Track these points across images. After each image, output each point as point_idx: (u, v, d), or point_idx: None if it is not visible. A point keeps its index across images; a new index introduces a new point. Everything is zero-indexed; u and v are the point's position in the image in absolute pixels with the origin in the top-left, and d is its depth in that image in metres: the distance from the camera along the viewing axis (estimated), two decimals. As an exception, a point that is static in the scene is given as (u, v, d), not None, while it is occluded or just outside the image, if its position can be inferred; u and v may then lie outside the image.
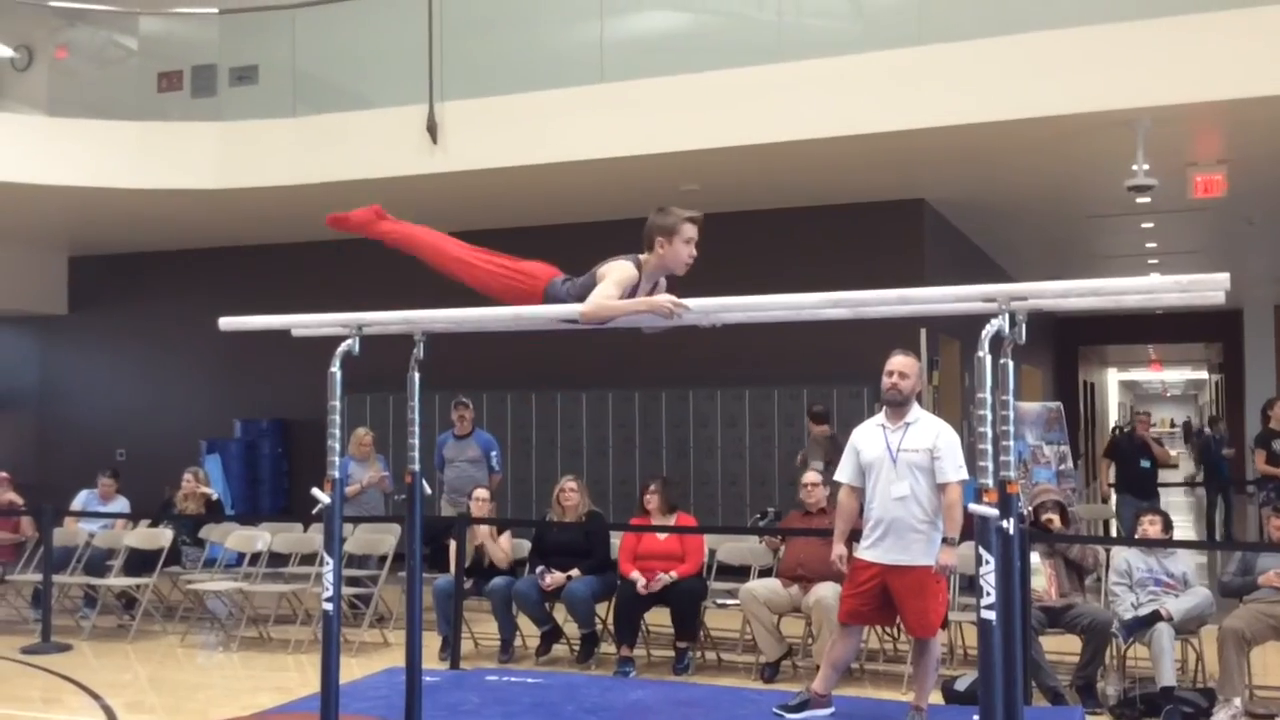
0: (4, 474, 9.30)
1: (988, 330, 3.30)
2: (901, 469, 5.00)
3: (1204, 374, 32.74)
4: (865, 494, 5.18)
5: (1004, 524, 3.20)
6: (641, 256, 3.87)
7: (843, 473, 5.31)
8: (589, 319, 3.76)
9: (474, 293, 4.20)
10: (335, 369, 4.20)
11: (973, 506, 3.23)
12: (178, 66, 10.68)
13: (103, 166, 9.55)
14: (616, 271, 3.80)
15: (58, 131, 9.65)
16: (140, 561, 8.51)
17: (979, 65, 7.74)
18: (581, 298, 3.83)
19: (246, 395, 12.29)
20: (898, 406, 5.14)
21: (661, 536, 7.10)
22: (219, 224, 11.25)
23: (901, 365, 5.13)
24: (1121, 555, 6.36)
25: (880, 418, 5.22)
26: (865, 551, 5.12)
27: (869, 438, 5.20)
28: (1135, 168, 8.04)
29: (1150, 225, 12.01)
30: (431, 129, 8.92)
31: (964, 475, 4.95)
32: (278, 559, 8.52)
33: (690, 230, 3.84)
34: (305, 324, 4.48)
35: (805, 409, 9.88)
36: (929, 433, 5.06)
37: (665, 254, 3.84)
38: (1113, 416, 33.14)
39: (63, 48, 11.08)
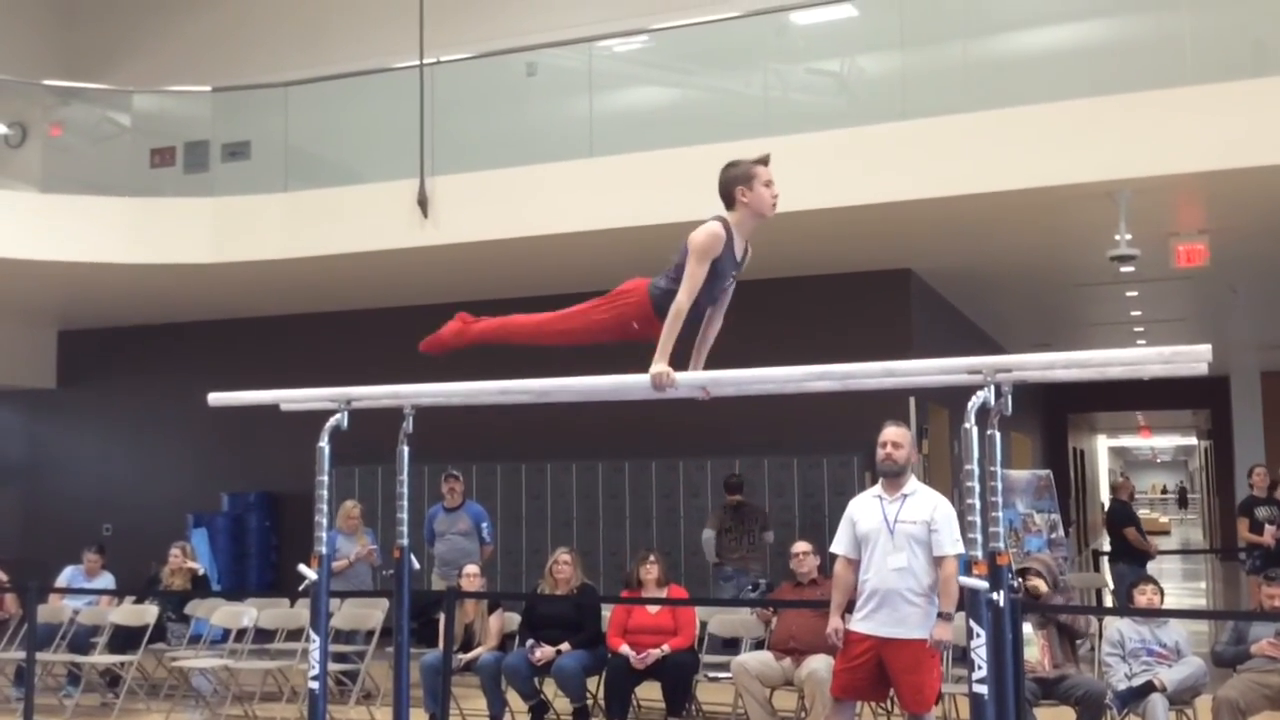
0: (-11, 550, 9.22)
1: (974, 402, 3.32)
2: (899, 540, 4.98)
3: (1193, 440, 32.81)
4: (860, 565, 5.15)
5: (994, 596, 3.20)
6: (726, 215, 3.79)
7: (839, 544, 5.27)
8: (657, 380, 3.69)
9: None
10: (324, 444, 4.20)
11: (963, 579, 3.23)
12: (171, 143, 10.81)
13: (96, 242, 9.61)
14: (700, 249, 3.66)
15: (51, 207, 9.73)
16: (125, 638, 8.40)
17: (963, 139, 7.87)
18: (678, 278, 3.70)
19: (234, 468, 12.23)
20: (894, 477, 5.13)
21: (653, 610, 7.03)
22: (210, 298, 11.29)
23: (895, 436, 5.13)
24: (1114, 625, 6.33)
25: (877, 489, 5.21)
26: (859, 624, 5.08)
27: (866, 509, 5.18)
28: (1118, 238, 8.14)
29: (1135, 294, 12.12)
30: (422, 203, 9.02)
31: (961, 549, 4.92)
32: (264, 635, 8.42)
33: (764, 171, 3.81)
34: (294, 399, 4.49)
35: (795, 478, 9.89)
36: (927, 505, 5.05)
37: (750, 201, 3.78)
38: (1104, 483, 33.13)
39: (57, 125, 11.20)
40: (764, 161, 3.83)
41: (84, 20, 13.02)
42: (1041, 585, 6.43)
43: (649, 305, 3.78)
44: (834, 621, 5.24)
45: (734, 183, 3.80)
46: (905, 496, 5.08)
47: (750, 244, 3.89)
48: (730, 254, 3.77)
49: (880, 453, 5.14)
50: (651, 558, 7.21)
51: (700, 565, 10.18)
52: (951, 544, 4.92)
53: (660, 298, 3.77)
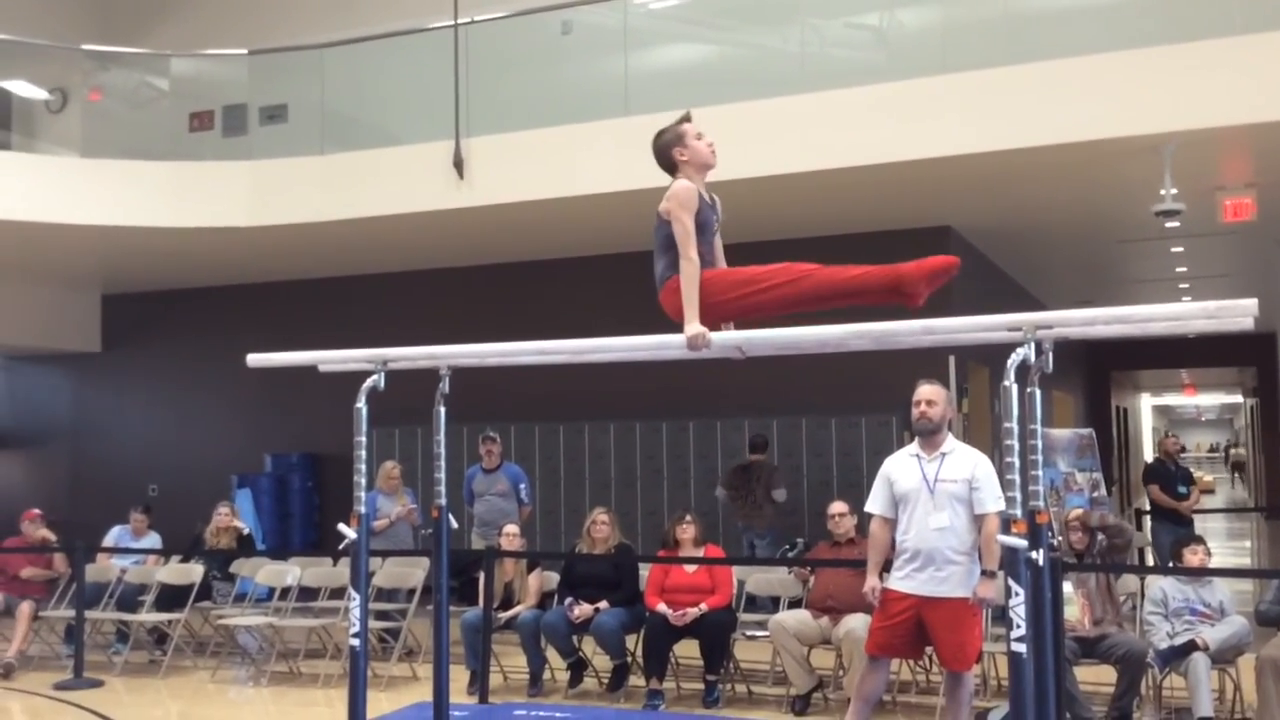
0: (37, 511, 9.39)
1: (1013, 359, 3.28)
2: (940, 499, 4.93)
3: (1239, 398, 32.38)
4: (898, 525, 5.12)
5: (1034, 555, 3.17)
6: (679, 178, 3.86)
7: (874, 504, 5.23)
8: (693, 341, 3.68)
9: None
10: (361, 405, 4.23)
11: (1001, 538, 3.21)
12: (209, 106, 10.86)
13: (136, 206, 9.69)
14: (680, 202, 3.74)
15: (91, 172, 9.80)
16: (172, 597, 8.55)
17: (1004, 92, 7.73)
18: (670, 248, 3.76)
19: (277, 430, 12.37)
20: (930, 435, 5.08)
21: (690, 570, 7.06)
22: (249, 261, 11.37)
23: (929, 394, 5.08)
24: (1157, 584, 6.29)
25: (914, 447, 5.16)
26: (899, 583, 5.05)
27: (904, 468, 5.13)
28: (1163, 192, 7.99)
29: (1180, 249, 11.92)
30: (458, 164, 9.00)
31: (1003, 506, 4.88)
32: (308, 593, 8.55)
33: (690, 128, 3.91)
34: (331, 359, 4.52)
35: (833, 438, 9.90)
36: (967, 463, 5.00)
37: (690, 157, 3.87)
38: (1147, 442, 32.81)
39: (96, 90, 11.27)
40: (687, 119, 3.94)
41: (122, -16, 13.06)
42: (1081, 535, 6.39)
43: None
44: (871, 580, 5.22)
45: (668, 147, 3.92)
46: (944, 455, 5.02)
47: (715, 196, 3.96)
48: (706, 205, 3.86)
49: (915, 411, 5.09)
50: (688, 518, 7.23)
51: (737, 525, 10.20)
52: (994, 501, 4.87)
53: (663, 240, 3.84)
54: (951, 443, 5.10)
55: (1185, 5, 7.96)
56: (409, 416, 9.25)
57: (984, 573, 4.87)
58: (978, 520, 4.92)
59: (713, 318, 3.75)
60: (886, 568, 5.21)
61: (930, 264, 3.62)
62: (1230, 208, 8.61)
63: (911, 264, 3.62)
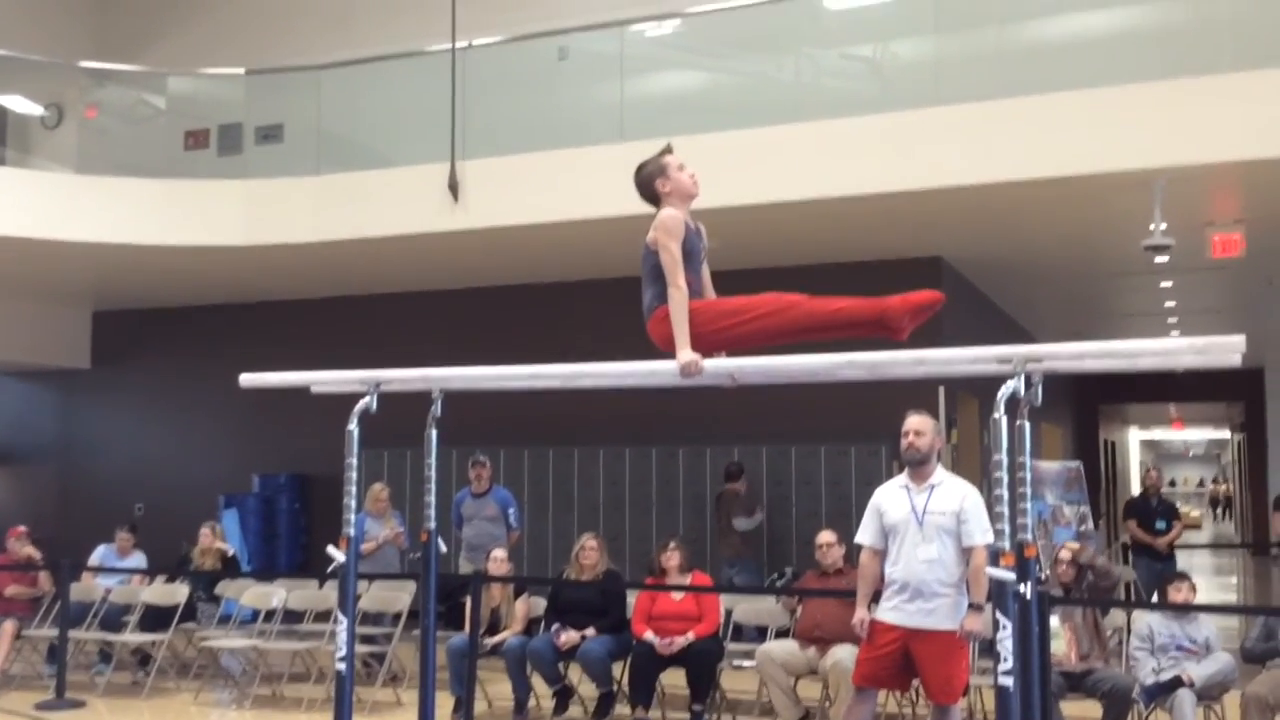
0: (23, 528, 9.33)
1: (1003, 392, 3.29)
2: (929, 531, 4.91)
3: (1226, 433, 32.46)
4: (887, 556, 5.11)
5: (1021, 588, 3.18)
6: (663, 208, 3.90)
7: (865, 535, 5.21)
8: (685, 368, 3.71)
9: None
10: (353, 427, 4.23)
11: (990, 570, 3.21)
12: (205, 125, 10.89)
13: (129, 223, 9.69)
14: (666, 231, 3.78)
15: (85, 188, 9.81)
16: (156, 617, 8.50)
17: (996, 125, 7.79)
18: (658, 279, 3.81)
19: (265, 450, 12.33)
20: (919, 466, 5.07)
21: (677, 597, 7.04)
22: (243, 280, 11.37)
23: (917, 424, 5.07)
24: (1143, 620, 6.28)
25: (903, 478, 5.15)
26: (887, 614, 5.03)
27: (893, 499, 5.11)
28: (1152, 227, 8.06)
29: (1169, 284, 11.99)
30: (453, 187, 9.03)
31: (991, 538, 4.87)
32: (293, 616, 8.50)
33: (672, 159, 3.95)
34: (324, 381, 4.51)
35: (821, 466, 9.93)
36: (955, 495, 4.99)
37: (672, 188, 3.91)
38: (1135, 476, 32.85)
39: (92, 106, 11.29)
40: (669, 150, 3.98)
41: (119, 2, 13.11)
42: (1067, 566, 6.39)
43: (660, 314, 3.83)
44: (860, 612, 5.20)
45: (651, 179, 3.95)
46: (933, 486, 5.01)
47: (700, 224, 3.99)
48: (692, 234, 3.89)
49: (903, 441, 5.08)
50: (673, 545, 7.21)
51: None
52: (981, 534, 4.86)
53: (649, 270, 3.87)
54: (940, 474, 5.09)
55: (1177, 42, 8.04)
56: (398, 438, 9.21)
57: (971, 605, 4.87)
58: (966, 552, 4.91)
59: (700, 348, 3.77)
60: (876, 599, 5.20)
61: (915, 299, 3.66)
62: (1219, 243, 8.68)
63: (897, 298, 3.65)
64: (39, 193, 9.71)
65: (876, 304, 3.67)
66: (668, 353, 3.79)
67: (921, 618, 4.90)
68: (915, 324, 3.64)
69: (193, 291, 12.11)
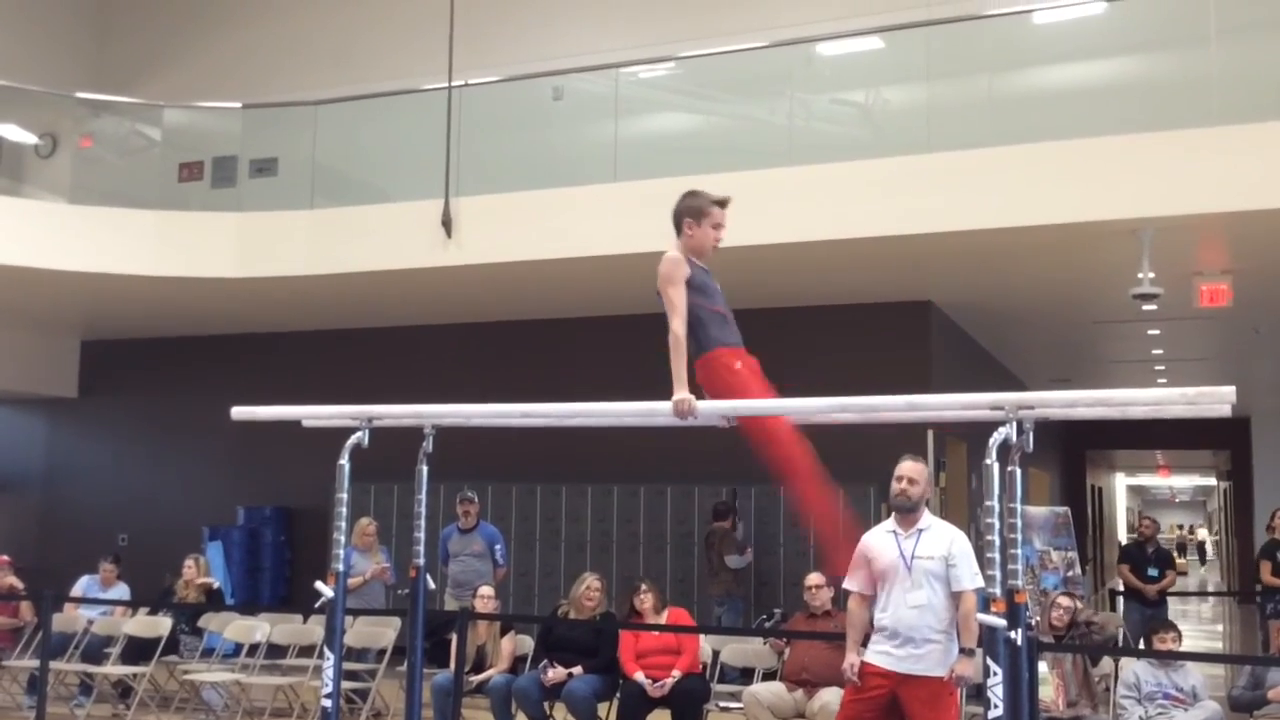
0: (5, 558, 9.26)
1: (995, 438, 3.31)
2: (917, 577, 4.86)
3: (1213, 480, 32.55)
4: (876, 601, 5.04)
5: (1012, 634, 3.18)
6: (676, 242, 3.89)
7: (852, 581, 5.15)
8: (678, 408, 3.73)
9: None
10: (344, 462, 4.22)
11: (981, 616, 3.22)
12: (199, 157, 10.91)
13: (122, 253, 9.69)
14: (665, 277, 3.78)
15: (78, 218, 9.81)
16: (138, 649, 8.42)
17: (986, 173, 7.87)
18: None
19: (250, 482, 12.28)
20: (908, 513, 5.01)
21: (657, 631, 7.05)
22: (233, 312, 11.37)
23: (911, 471, 5.01)
24: (1130, 668, 6.28)
25: (891, 523, 5.09)
26: (876, 657, 4.96)
27: (880, 545, 5.05)
28: (1140, 276, 8.12)
29: (1156, 332, 12.07)
30: (446, 223, 9.06)
31: (980, 583, 4.82)
32: (276, 650, 8.43)
33: (718, 214, 3.88)
34: (316, 415, 4.51)
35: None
36: (943, 539, 4.94)
37: (694, 236, 3.86)
38: (1121, 521, 32.90)
39: (87, 137, 11.32)
40: (723, 203, 3.92)
41: (117, 34, 13.19)
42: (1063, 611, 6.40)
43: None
44: (850, 657, 5.10)
45: (685, 214, 3.93)
46: (920, 531, 4.96)
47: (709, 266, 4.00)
48: (699, 269, 3.88)
49: (895, 486, 5.03)
50: (643, 587, 7.21)
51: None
52: (970, 578, 4.82)
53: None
54: (928, 519, 5.04)
55: (1165, 95, 8.15)
56: (385, 472, 9.21)
57: (962, 650, 4.84)
58: (955, 597, 4.91)
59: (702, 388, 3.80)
60: (865, 642, 5.17)
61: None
62: (1206, 293, 8.75)
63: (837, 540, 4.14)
64: (31, 222, 9.71)
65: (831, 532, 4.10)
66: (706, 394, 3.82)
67: (911, 663, 4.84)
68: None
69: (182, 322, 12.10)
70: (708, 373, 3.83)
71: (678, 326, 3.74)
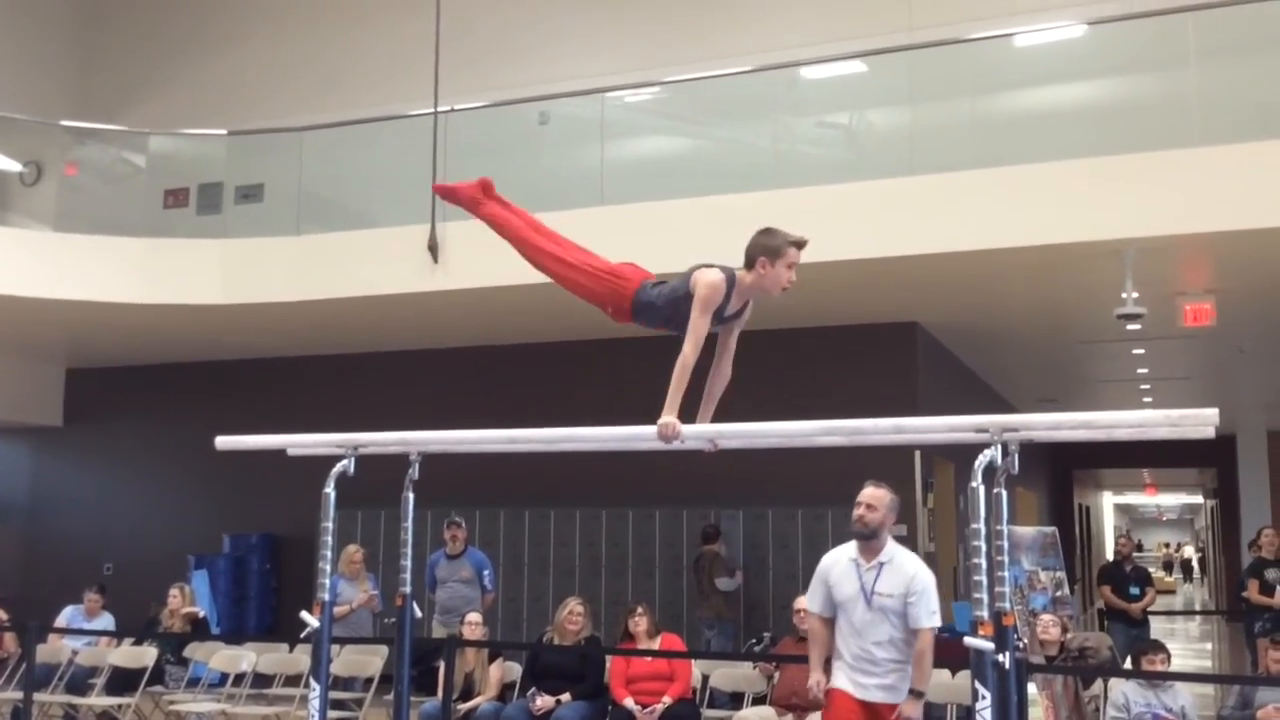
0: (-11, 588, 9.18)
1: (981, 460, 3.31)
2: (876, 612, 4.74)
3: (1199, 499, 32.63)
4: (837, 628, 4.89)
5: (1000, 658, 3.17)
6: (739, 272, 3.85)
7: (813, 602, 5.02)
8: (663, 432, 3.69)
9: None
10: (329, 490, 4.20)
11: (968, 640, 3.20)
12: (185, 184, 10.89)
13: (107, 281, 9.66)
14: (705, 298, 3.75)
15: (63, 246, 9.78)
16: (123, 680, 8.34)
17: (970, 195, 7.91)
18: (671, 304, 3.83)
19: (236, 509, 12.21)
20: (867, 540, 4.86)
21: (649, 657, 7.02)
22: (219, 339, 11.33)
23: (871, 497, 4.87)
24: (1119, 689, 6.27)
25: (852, 550, 4.93)
26: (844, 684, 4.81)
27: (842, 574, 4.90)
28: (1124, 296, 8.16)
29: (1141, 352, 12.12)
30: (433, 248, 9.06)
31: (937, 621, 4.78)
32: (262, 679, 8.36)
33: (795, 254, 3.87)
34: (301, 444, 4.49)
35: (799, 530, 9.93)
36: (904, 575, 4.79)
37: (765, 275, 3.83)
38: (1109, 540, 32.93)
39: (72, 164, 11.30)
40: (800, 244, 3.91)
41: (102, 62, 13.19)
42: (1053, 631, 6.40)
43: (627, 303, 3.93)
44: (815, 675, 5.01)
45: (761, 250, 3.88)
46: (882, 565, 4.80)
47: (750, 304, 3.97)
48: (722, 306, 3.84)
49: (854, 512, 4.88)
50: (640, 610, 7.19)
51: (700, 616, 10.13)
52: (927, 617, 4.71)
53: (642, 307, 3.91)
54: (890, 550, 4.87)
55: (1147, 117, 8.22)
56: (372, 498, 9.17)
57: (911, 691, 4.71)
58: (914, 633, 4.74)
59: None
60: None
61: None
62: (1190, 313, 8.79)
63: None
64: (16, 250, 9.66)
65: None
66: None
67: (878, 692, 4.72)
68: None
69: (168, 350, 12.05)
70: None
71: (689, 352, 3.69)
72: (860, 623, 4.78)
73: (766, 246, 3.85)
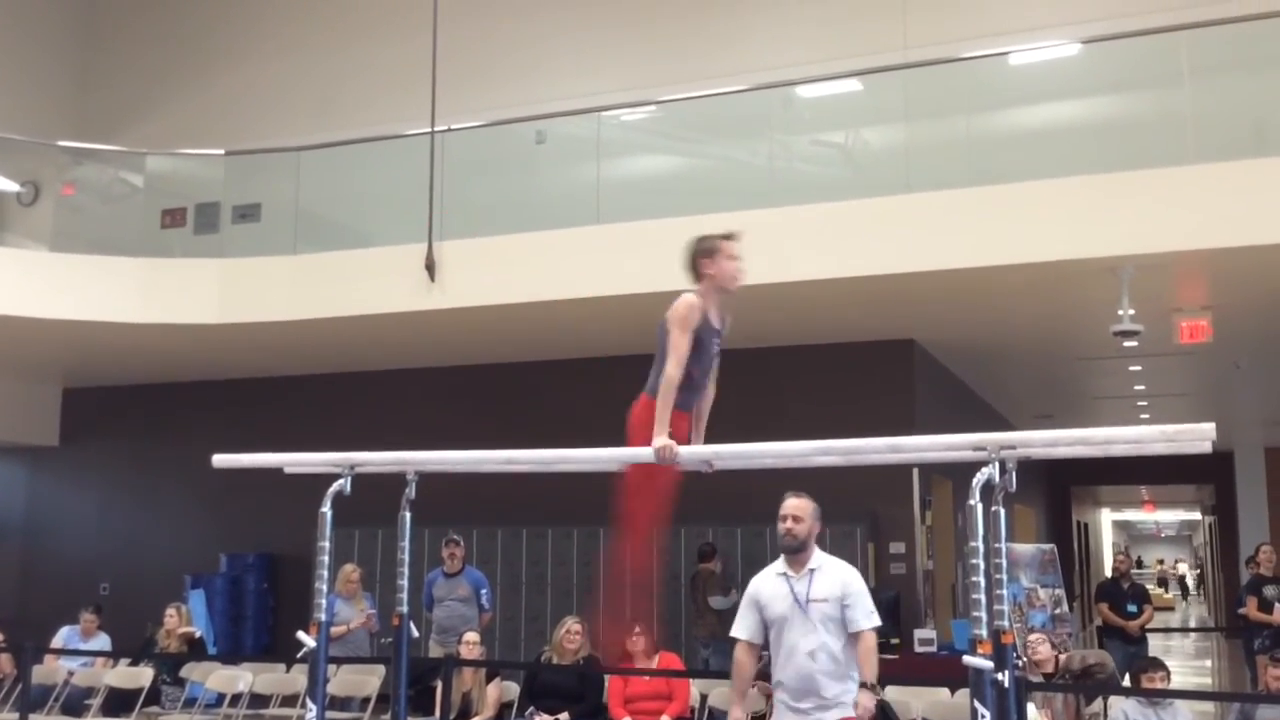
0: (-15, 609, 9.15)
1: (978, 478, 3.31)
2: (813, 620, 4.60)
3: (1198, 515, 32.61)
4: (773, 653, 4.72)
5: (999, 676, 3.16)
6: (697, 287, 3.92)
7: (741, 629, 4.82)
8: (661, 454, 3.73)
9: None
10: (326, 509, 4.18)
11: (967, 659, 3.19)
12: (182, 203, 10.90)
13: (104, 301, 9.66)
14: (680, 319, 3.84)
15: (61, 266, 9.78)
16: (119, 700, 8.32)
17: (966, 212, 7.93)
18: (662, 350, 3.89)
19: (233, 528, 12.18)
20: (796, 553, 4.73)
21: (648, 676, 7.00)
22: (216, 358, 11.33)
23: (794, 509, 4.75)
24: (1119, 706, 6.26)
25: (781, 565, 4.80)
26: (787, 715, 4.64)
27: (773, 590, 4.75)
28: (1121, 313, 8.17)
29: (1138, 368, 12.13)
30: (429, 267, 9.07)
31: (876, 621, 4.67)
32: (259, 699, 8.33)
33: (729, 245, 3.94)
34: (298, 463, 4.48)
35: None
36: (836, 580, 4.68)
37: (715, 274, 3.91)
38: (1107, 556, 32.90)
39: (69, 184, 11.31)
40: (731, 236, 3.98)
41: (100, 82, 13.23)
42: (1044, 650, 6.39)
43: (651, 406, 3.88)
44: (735, 713, 4.84)
45: (699, 255, 3.97)
46: (813, 571, 4.68)
47: (728, 314, 4.03)
48: (708, 323, 3.89)
49: (780, 527, 4.75)
50: (637, 629, 7.16)
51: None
52: (866, 617, 4.61)
53: (654, 380, 3.90)
54: (819, 558, 4.77)
55: (1143, 135, 8.25)
56: (370, 517, 9.14)
57: (863, 685, 4.58)
58: (852, 640, 4.63)
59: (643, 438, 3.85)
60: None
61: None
62: (1186, 330, 8.80)
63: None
64: (13, 270, 9.67)
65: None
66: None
67: (821, 712, 4.57)
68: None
69: (166, 369, 12.05)
70: (638, 410, 3.88)
71: (673, 369, 3.73)
72: (796, 633, 4.61)
73: (701, 250, 3.97)
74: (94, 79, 13.27)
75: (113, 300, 9.68)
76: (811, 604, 4.62)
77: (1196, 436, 3.19)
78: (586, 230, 8.94)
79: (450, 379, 11.57)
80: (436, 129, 9.34)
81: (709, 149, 9.92)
